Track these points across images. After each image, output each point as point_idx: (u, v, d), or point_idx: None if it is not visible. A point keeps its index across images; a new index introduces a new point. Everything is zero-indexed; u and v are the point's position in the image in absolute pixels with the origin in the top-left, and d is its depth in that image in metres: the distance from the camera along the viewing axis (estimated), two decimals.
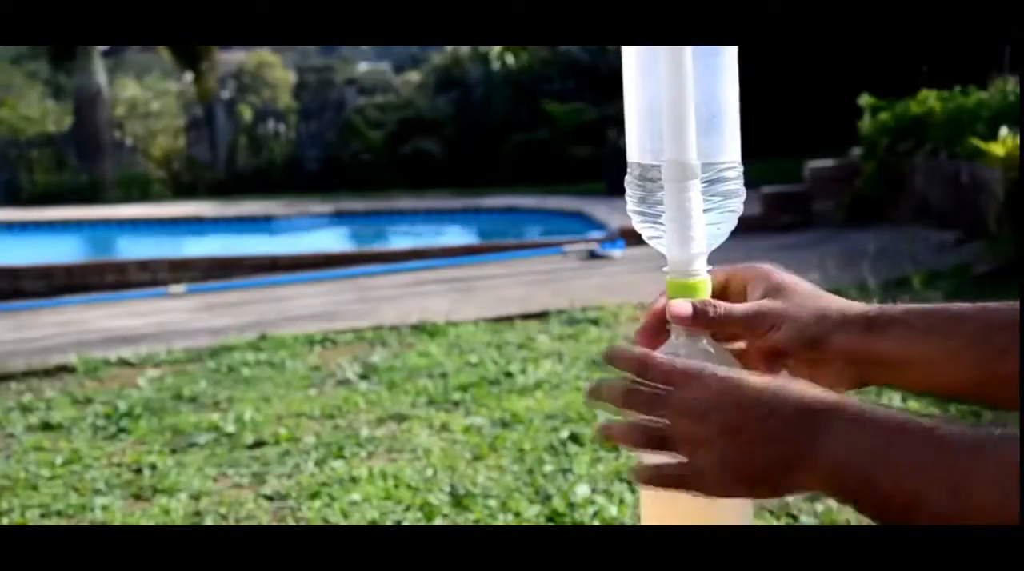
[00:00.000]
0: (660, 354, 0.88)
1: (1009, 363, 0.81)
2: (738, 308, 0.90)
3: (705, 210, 0.90)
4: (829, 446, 0.76)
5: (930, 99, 9.33)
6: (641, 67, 0.90)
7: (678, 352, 0.90)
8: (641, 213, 0.93)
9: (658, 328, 0.92)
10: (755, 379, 0.81)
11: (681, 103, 0.87)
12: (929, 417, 0.75)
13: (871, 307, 0.89)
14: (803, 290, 0.91)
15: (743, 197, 0.92)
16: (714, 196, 0.90)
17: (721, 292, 0.93)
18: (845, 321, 0.88)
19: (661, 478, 0.84)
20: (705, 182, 0.89)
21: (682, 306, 0.89)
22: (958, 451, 0.72)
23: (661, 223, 0.91)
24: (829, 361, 0.88)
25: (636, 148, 0.92)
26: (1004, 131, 7.24)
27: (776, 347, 0.89)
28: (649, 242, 0.93)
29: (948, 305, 0.88)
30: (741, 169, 0.91)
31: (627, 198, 0.93)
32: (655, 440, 0.83)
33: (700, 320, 0.89)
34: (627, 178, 0.93)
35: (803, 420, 0.77)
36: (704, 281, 0.91)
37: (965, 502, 0.70)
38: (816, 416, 0.77)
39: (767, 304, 0.90)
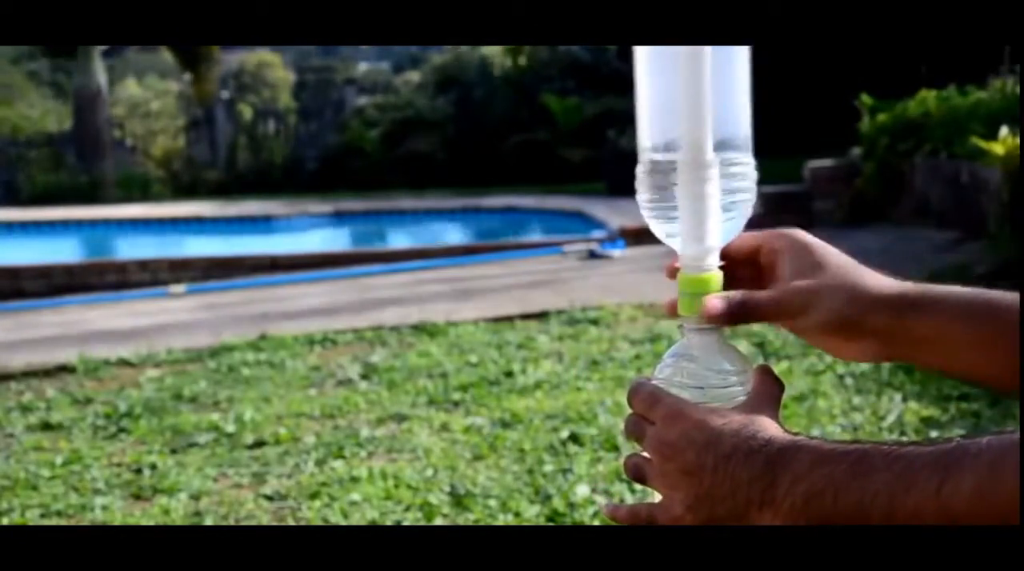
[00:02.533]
0: (664, 366, 0.89)
1: None
2: (766, 298, 0.88)
3: (720, 204, 0.89)
4: (795, 482, 0.76)
5: (929, 99, 9.34)
6: (655, 61, 0.90)
7: (690, 352, 0.89)
8: (653, 209, 0.92)
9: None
10: (723, 418, 0.81)
11: (698, 95, 0.87)
12: (895, 443, 0.76)
13: (907, 286, 0.87)
14: (836, 265, 0.89)
15: (754, 190, 0.92)
16: (729, 190, 0.90)
17: (749, 259, 0.92)
18: (880, 302, 0.86)
19: (632, 515, 0.86)
20: (721, 176, 0.89)
21: (716, 303, 0.87)
22: (927, 465, 0.72)
23: (674, 218, 0.90)
24: (858, 339, 0.87)
25: (648, 142, 0.91)
26: (1004, 131, 7.25)
27: (803, 328, 0.88)
28: (662, 238, 0.93)
29: (986, 291, 0.87)
30: (754, 162, 0.91)
31: (638, 194, 0.92)
32: (637, 474, 0.85)
33: (732, 316, 0.88)
34: (638, 173, 0.92)
35: (767, 459, 0.78)
36: (717, 275, 0.89)
37: (944, 510, 0.70)
38: (780, 454, 0.77)
39: (799, 286, 0.87)
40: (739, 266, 0.91)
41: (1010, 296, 0.85)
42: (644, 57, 0.90)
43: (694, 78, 0.87)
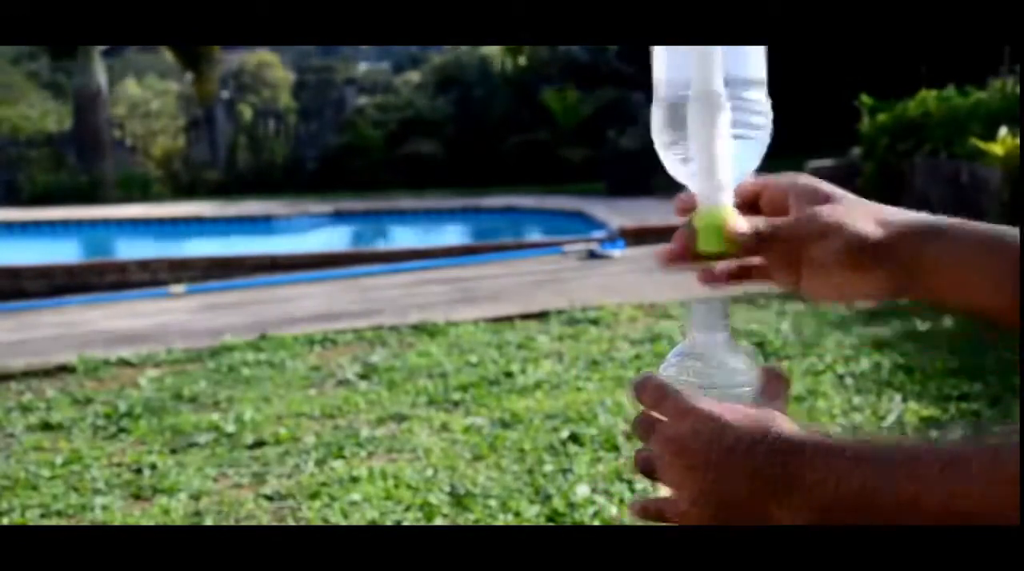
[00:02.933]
0: (669, 365, 0.88)
1: None
2: (788, 220, 0.86)
3: (733, 137, 0.88)
4: (811, 478, 0.75)
5: (929, 99, 9.34)
6: None
7: (696, 350, 0.89)
8: (669, 146, 0.90)
9: (683, 257, 0.89)
10: (736, 414, 0.80)
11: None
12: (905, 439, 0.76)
13: (926, 215, 0.87)
14: (850, 197, 0.87)
15: (769, 127, 0.91)
16: (742, 124, 0.89)
17: (752, 204, 0.90)
18: (906, 226, 0.85)
19: (643, 510, 0.85)
20: (733, 110, 0.87)
21: (741, 225, 0.85)
22: (930, 452, 0.73)
23: (690, 159, 0.89)
24: (876, 267, 0.85)
25: (664, 76, 0.90)
26: (1003, 131, 7.25)
27: (820, 255, 0.85)
28: (680, 179, 0.91)
29: (995, 226, 0.86)
30: (768, 102, 0.90)
31: (654, 134, 0.91)
32: (647, 469, 0.84)
33: (758, 236, 0.86)
34: (653, 112, 0.91)
35: (770, 450, 0.77)
36: (732, 209, 0.87)
37: (960, 506, 0.70)
38: (787, 445, 0.77)
39: (821, 210, 0.86)
40: (744, 209, 0.89)
41: (1015, 231, 0.84)
42: None
43: None
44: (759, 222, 0.87)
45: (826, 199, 0.87)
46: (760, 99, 0.90)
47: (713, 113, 0.87)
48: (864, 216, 0.85)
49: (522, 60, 17.44)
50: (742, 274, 0.92)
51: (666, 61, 0.90)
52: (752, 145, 0.90)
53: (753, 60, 0.90)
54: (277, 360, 5.58)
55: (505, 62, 17.70)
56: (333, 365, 5.44)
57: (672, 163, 0.91)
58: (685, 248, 0.87)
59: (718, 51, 0.86)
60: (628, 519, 3.26)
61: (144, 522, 3.51)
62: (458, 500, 3.52)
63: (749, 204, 0.90)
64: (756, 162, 0.90)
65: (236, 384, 5.16)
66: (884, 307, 6.00)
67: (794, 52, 13.96)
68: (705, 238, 0.86)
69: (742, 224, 0.86)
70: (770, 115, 0.90)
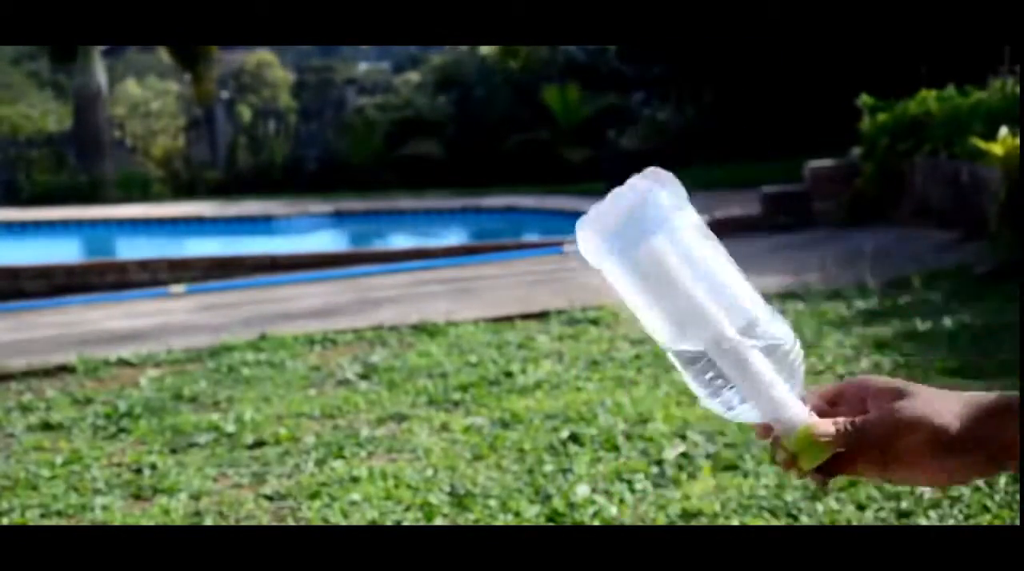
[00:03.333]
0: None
1: None
2: (868, 417, 0.92)
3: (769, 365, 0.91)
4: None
5: (929, 99, 9.33)
6: (642, 283, 0.91)
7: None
8: (712, 401, 0.93)
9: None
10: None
11: (694, 287, 0.89)
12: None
13: (996, 396, 0.92)
14: (925, 390, 0.93)
15: (793, 341, 0.93)
16: (767, 338, 0.91)
17: (833, 403, 0.95)
18: (983, 412, 0.90)
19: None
20: (757, 341, 0.91)
21: (827, 428, 0.91)
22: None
23: (730, 393, 0.92)
24: (961, 457, 0.90)
25: (668, 344, 0.93)
26: (1004, 131, 7.24)
27: (904, 450, 0.91)
28: (731, 417, 0.94)
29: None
30: (776, 316, 0.93)
31: (697, 393, 0.94)
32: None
33: (845, 437, 0.91)
34: (684, 372, 0.93)
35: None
36: (810, 419, 0.92)
37: None
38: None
39: (902, 405, 0.91)
40: (827, 408, 0.94)
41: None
42: (632, 284, 0.91)
43: (668, 281, 0.89)
44: (843, 423, 0.92)
45: (901, 395, 0.92)
46: (770, 318, 0.92)
47: (743, 360, 0.90)
48: (943, 408, 0.91)
49: (514, 63, 17.40)
50: (833, 470, 0.96)
51: (654, 317, 0.92)
52: (785, 348, 0.92)
53: (747, 301, 0.92)
54: (277, 360, 5.58)
55: (506, 62, 17.68)
56: (333, 365, 5.44)
57: (721, 410, 0.94)
58: (790, 464, 0.93)
59: (713, 297, 0.89)
60: (628, 519, 3.26)
61: (144, 522, 3.51)
62: (458, 500, 3.52)
63: (831, 403, 0.95)
64: (798, 352, 0.93)
65: (236, 384, 5.16)
66: (884, 307, 6.00)
67: (794, 52, 13.98)
68: (806, 458, 0.91)
69: (827, 428, 0.91)
70: (787, 332, 0.93)
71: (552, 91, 15.97)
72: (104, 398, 5.02)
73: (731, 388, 0.91)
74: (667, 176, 0.90)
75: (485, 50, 18.05)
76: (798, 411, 0.91)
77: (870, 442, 0.90)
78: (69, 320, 7.27)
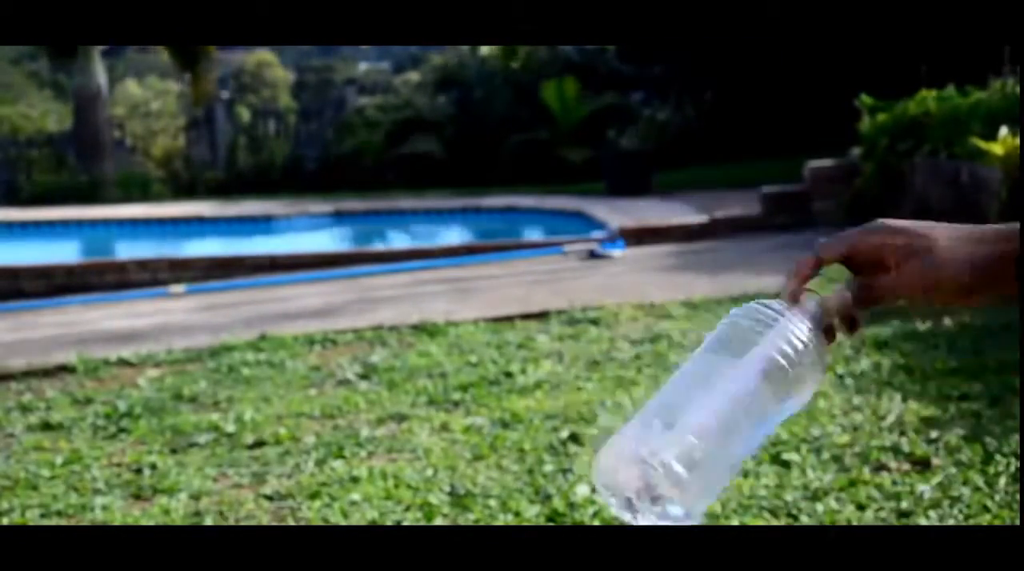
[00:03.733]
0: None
1: None
2: (889, 286, 1.03)
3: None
4: None
5: (929, 99, 9.33)
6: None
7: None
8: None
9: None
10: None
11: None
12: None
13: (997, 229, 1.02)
14: (941, 243, 1.03)
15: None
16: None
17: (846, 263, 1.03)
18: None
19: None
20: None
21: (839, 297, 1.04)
22: None
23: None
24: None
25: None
26: (1004, 131, 7.24)
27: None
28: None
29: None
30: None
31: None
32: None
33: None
34: None
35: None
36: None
37: None
38: None
39: (917, 275, 1.02)
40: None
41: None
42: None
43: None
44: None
45: (916, 253, 1.03)
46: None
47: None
48: (959, 258, 1.02)
49: (515, 63, 17.40)
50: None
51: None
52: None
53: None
54: (277, 360, 5.58)
55: (506, 62, 17.68)
56: (333, 365, 5.44)
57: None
58: None
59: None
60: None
61: (144, 522, 3.51)
62: (458, 500, 3.52)
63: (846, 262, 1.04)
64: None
65: (236, 384, 5.16)
66: (884, 307, 6.00)
67: (794, 52, 13.97)
68: None
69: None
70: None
71: (550, 88, 15.94)
72: (104, 398, 5.02)
73: None
74: None
75: (485, 50, 18.04)
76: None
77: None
78: (69, 320, 7.27)
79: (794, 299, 1.00)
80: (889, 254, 1.02)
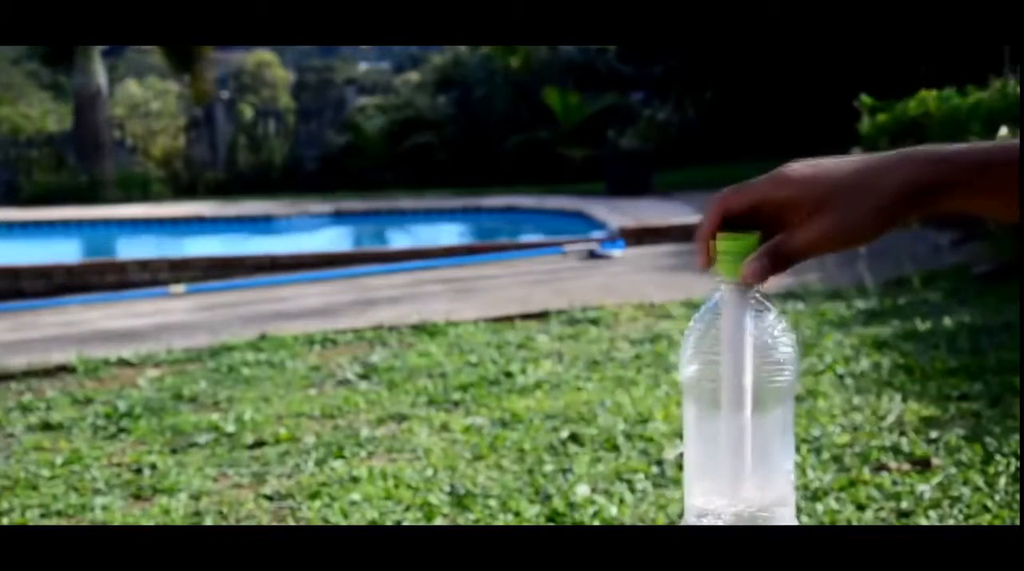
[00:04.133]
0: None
1: None
2: (803, 247, 0.97)
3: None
4: None
5: (929, 99, 9.33)
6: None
7: (726, 306, 0.94)
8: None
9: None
10: None
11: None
12: None
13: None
14: (842, 185, 0.96)
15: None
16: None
17: (752, 215, 0.96)
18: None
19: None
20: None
21: (752, 267, 0.94)
22: None
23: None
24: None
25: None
26: (1003, 131, 7.24)
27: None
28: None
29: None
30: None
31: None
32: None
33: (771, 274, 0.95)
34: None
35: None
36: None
37: None
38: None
39: (828, 228, 0.96)
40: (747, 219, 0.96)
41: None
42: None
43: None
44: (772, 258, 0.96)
45: (818, 208, 0.95)
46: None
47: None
48: (859, 216, 0.97)
49: (515, 62, 17.40)
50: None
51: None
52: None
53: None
54: (277, 360, 5.58)
55: (506, 62, 17.68)
56: (333, 365, 5.44)
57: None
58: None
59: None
60: (628, 519, 3.26)
61: (144, 522, 3.51)
62: (458, 500, 3.52)
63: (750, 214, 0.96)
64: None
65: (236, 384, 5.16)
66: (884, 307, 6.00)
67: (794, 52, 13.98)
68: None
69: (753, 266, 0.95)
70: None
71: (552, 92, 15.97)
72: (104, 398, 5.02)
73: None
74: None
75: (485, 50, 18.05)
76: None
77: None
78: (69, 320, 7.26)
79: (707, 266, 0.97)
80: (797, 209, 0.95)
